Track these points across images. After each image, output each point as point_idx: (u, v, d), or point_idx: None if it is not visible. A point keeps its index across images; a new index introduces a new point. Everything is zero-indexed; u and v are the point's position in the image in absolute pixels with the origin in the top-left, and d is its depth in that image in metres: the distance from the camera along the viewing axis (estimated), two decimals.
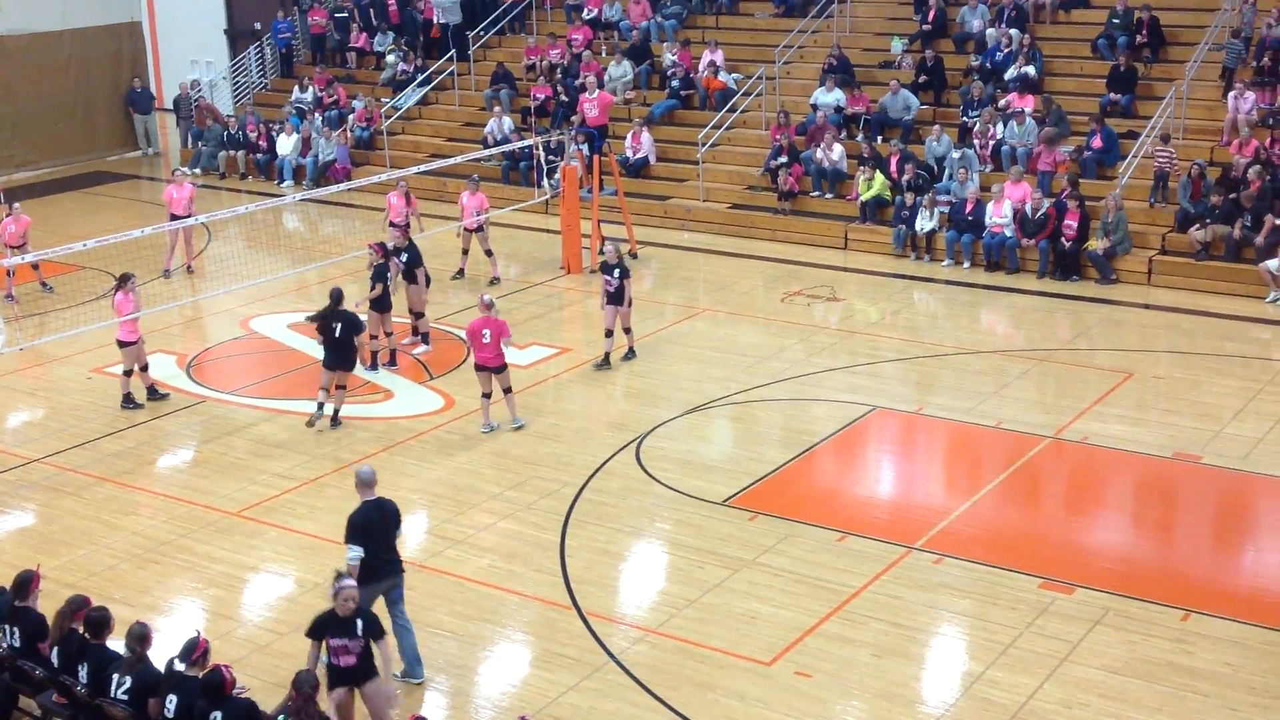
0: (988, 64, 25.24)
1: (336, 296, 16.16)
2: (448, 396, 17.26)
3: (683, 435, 15.94)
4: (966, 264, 22.20)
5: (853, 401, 16.66)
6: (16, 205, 22.20)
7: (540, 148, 24.94)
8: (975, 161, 23.32)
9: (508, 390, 16.09)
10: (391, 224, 20.52)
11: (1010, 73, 24.81)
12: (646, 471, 14.91)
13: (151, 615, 11.72)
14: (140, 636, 9.58)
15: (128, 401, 17.02)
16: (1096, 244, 21.22)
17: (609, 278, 17.49)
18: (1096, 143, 22.95)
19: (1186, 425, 15.77)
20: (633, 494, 14.40)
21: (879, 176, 23.49)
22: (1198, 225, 20.97)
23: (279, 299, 21.42)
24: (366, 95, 30.71)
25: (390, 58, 31.38)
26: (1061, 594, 12.18)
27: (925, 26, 26.74)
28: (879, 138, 24.86)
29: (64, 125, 32.54)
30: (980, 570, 12.63)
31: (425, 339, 18.94)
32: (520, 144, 25.89)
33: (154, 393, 17.20)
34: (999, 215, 21.92)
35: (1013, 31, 25.44)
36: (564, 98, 27.68)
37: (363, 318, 16.73)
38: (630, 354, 18.09)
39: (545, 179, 24.94)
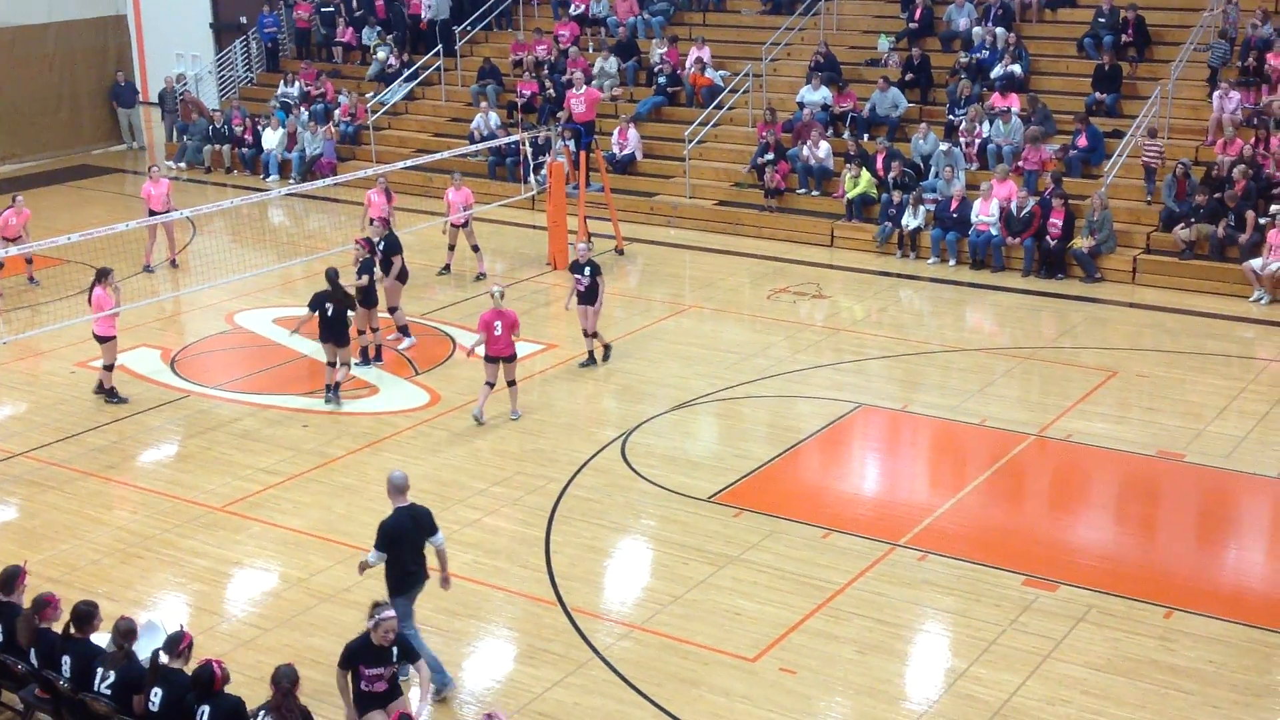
0: (975, 59, 25.28)
1: (330, 276, 16.47)
2: (433, 392, 17.24)
3: (668, 432, 15.95)
4: (952, 262, 22.25)
5: (838, 399, 16.69)
6: (19, 198, 22.15)
7: (527, 143, 24.92)
8: (961, 160, 23.36)
9: (512, 383, 16.19)
10: (372, 220, 20.45)
11: (996, 71, 24.87)
12: (632, 468, 14.91)
13: (135, 610, 11.68)
14: (126, 632, 9.56)
15: (112, 396, 16.96)
16: (1081, 242, 21.28)
17: (579, 276, 17.40)
18: (1082, 142, 23.02)
19: (1170, 423, 15.83)
20: (618, 490, 14.41)
21: (865, 174, 23.53)
22: (1182, 224, 21.04)
23: (264, 294, 21.37)
24: (352, 90, 30.65)
25: (380, 53, 31.31)
26: (1045, 591, 12.21)
27: (912, 25, 26.78)
28: (865, 135, 24.89)
29: (49, 119, 32.43)
30: (964, 567, 12.66)
31: (405, 331, 18.92)
32: (507, 140, 25.88)
33: (113, 393, 17.08)
34: (985, 213, 21.97)
35: (998, 30, 25.49)
36: (551, 93, 27.65)
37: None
38: (605, 354, 17.97)
39: (532, 175, 24.93)
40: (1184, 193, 21.32)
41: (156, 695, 9.17)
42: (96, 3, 33.09)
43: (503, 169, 26.91)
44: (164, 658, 9.28)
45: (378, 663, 9.51)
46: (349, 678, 9.56)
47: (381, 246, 18.36)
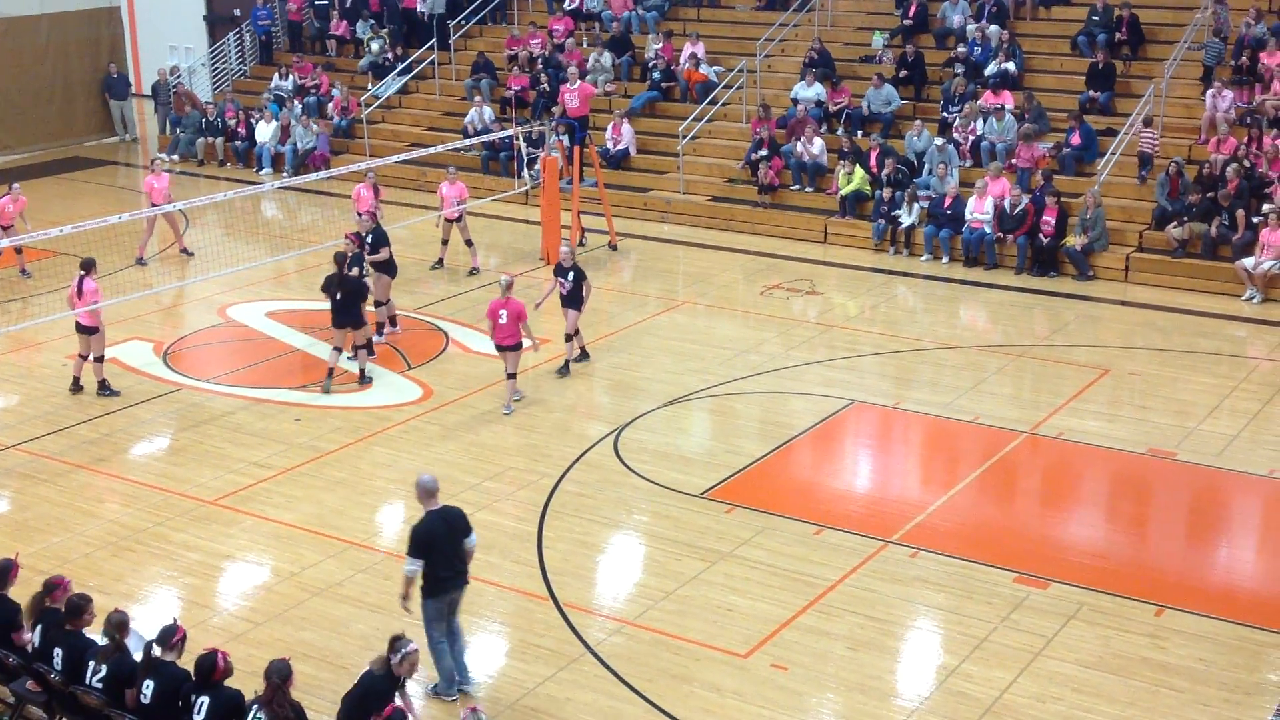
0: (971, 54, 25.31)
1: (339, 260, 16.80)
2: (426, 386, 17.23)
3: (661, 427, 15.95)
4: (945, 259, 22.26)
5: (830, 395, 16.70)
6: (16, 186, 22.11)
7: (520, 138, 24.90)
8: (955, 157, 23.38)
9: (511, 375, 16.31)
10: (360, 214, 20.35)
11: (990, 69, 24.88)
12: (625, 463, 14.92)
13: (127, 603, 11.65)
14: (119, 624, 9.55)
15: (104, 388, 16.94)
16: (1074, 240, 21.31)
17: (562, 280, 17.29)
18: (1075, 140, 23.04)
19: (1161, 421, 15.86)
20: (611, 486, 14.41)
21: (859, 171, 23.53)
22: (1175, 223, 21.07)
23: (257, 287, 21.34)
24: (345, 84, 30.60)
25: (374, 46, 31.25)
26: (1036, 589, 12.24)
27: (906, 21, 26.79)
28: (859, 132, 24.90)
29: (41, 110, 32.35)
30: (956, 564, 12.68)
31: (392, 321, 18.91)
32: (501, 134, 25.86)
33: (77, 384, 17.02)
34: (979, 211, 21.99)
35: (992, 27, 25.50)
36: (545, 88, 27.62)
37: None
38: (581, 356, 17.86)
39: (525, 170, 24.91)
40: (1177, 191, 21.35)
41: (148, 688, 9.16)
42: None
43: (496, 164, 26.88)
44: (157, 650, 9.27)
45: (389, 696, 9.05)
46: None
47: (369, 240, 18.33)
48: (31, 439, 15.83)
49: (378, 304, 18.69)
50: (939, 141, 23.56)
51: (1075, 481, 14.88)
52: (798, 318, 19.81)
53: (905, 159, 23.80)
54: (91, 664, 9.48)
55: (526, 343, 16.27)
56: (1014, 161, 22.97)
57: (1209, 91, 22.76)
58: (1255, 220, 20.55)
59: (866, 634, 11.59)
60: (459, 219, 21.77)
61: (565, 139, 24.34)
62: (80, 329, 16.76)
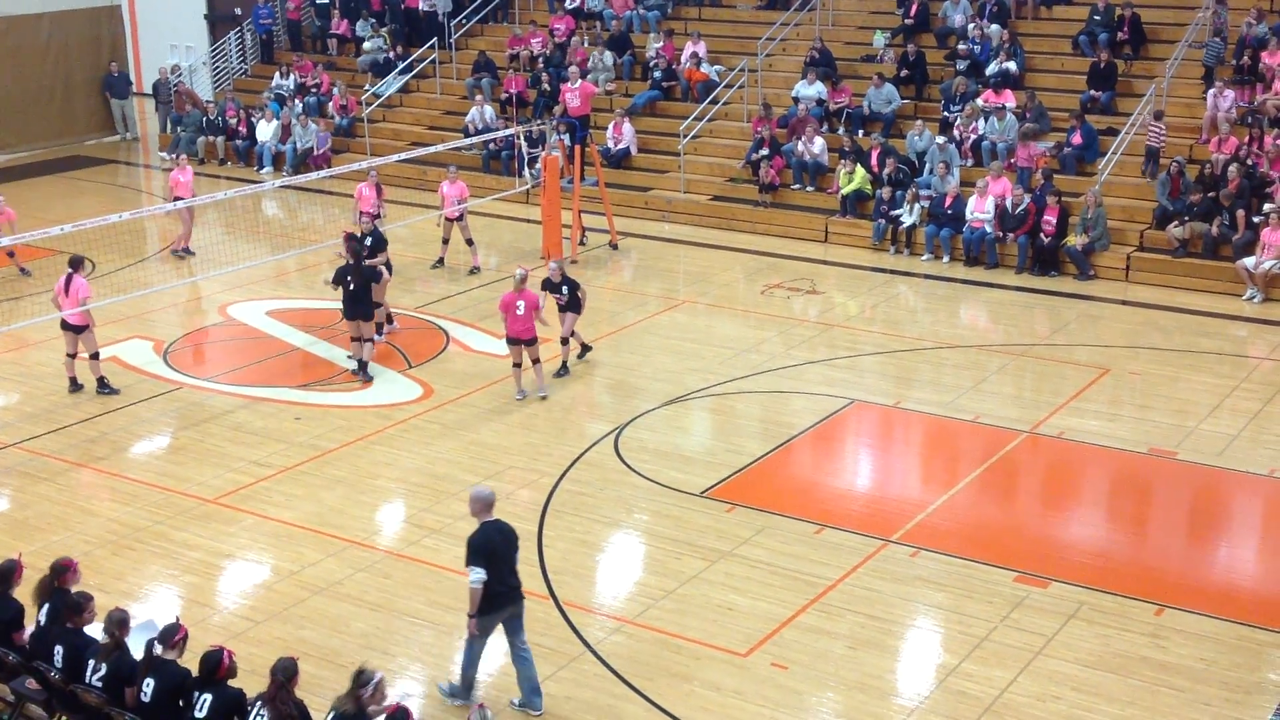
0: (970, 49, 25.30)
1: (354, 249, 17.09)
2: (426, 385, 17.23)
3: (661, 426, 15.94)
4: (946, 258, 22.25)
5: (831, 394, 16.69)
6: (1, 198, 22.03)
7: (521, 137, 24.90)
8: (956, 156, 23.37)
9: (536, 361, 16.44)
10: (362, 214, 20.33)
11: (991, 68, 24.87)
12: (625, 462, 14.91)
13: (127, 602, 11.65)
14: (119, 622, 9.54)
15: (102, 386, 16.94)
16: (1075, 240, 21.30)
17: (558, 295, 17.18)
18: (1076, 139, 23.03)
19: (1162, 421, 15.85)
20: (611, 485, 14.40)
21: (860, 170, 23.53)
22: (1176, 222, 21.06)
23: (257, 285, 21.34)
24: (345, 82, 30.59)
25: (372, 43, 31.22)
26: (1036, 588, 12.23)
27: (907, 21, 26.78)
28: (860, 131, 24.89)
29: (42, 109, 32.35)
30: (956, 564, 12.67)
31: (389, 318, 18.91)
32: (503, 132, 25.85)
33: (75, 384, 17.01)
34: (980, 210, 21.98)
35: (993, 27, 25.49)
36: (546, 87, 27.62)
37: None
38: (582, 352, 17.75)
39: (526, 169, 24.90)
40: (1178, 190, 21.34)
41: (149, 686, 9.15)
42: None
43: (497, 163, 26.88)
44: (158, 649, 9.27)
45: None
46: None
47: (369, 243, 18.33)
48: (31, 437, 15.82)
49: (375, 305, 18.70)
50: (940, 141, 23.55)
51: (1076, 481, 14.88)
52: (798, 317, 19.81)
53: (906, 158, 23.79)
54: (91, 662, 9.47)
55: (542, 331, 16.40)
56: (1013, 161, 22.96)
57: (1210, 91, 22.75)
58: (1256, 220, 20.54)
59: (867, 633, 11.58)
60: (460, 218, 21.76)
61: (566, 138, 24.33)
62: (68, 327, 16.69)
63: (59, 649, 9.70)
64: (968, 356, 18.13)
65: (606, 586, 12.61)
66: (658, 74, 27.55)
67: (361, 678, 8.76)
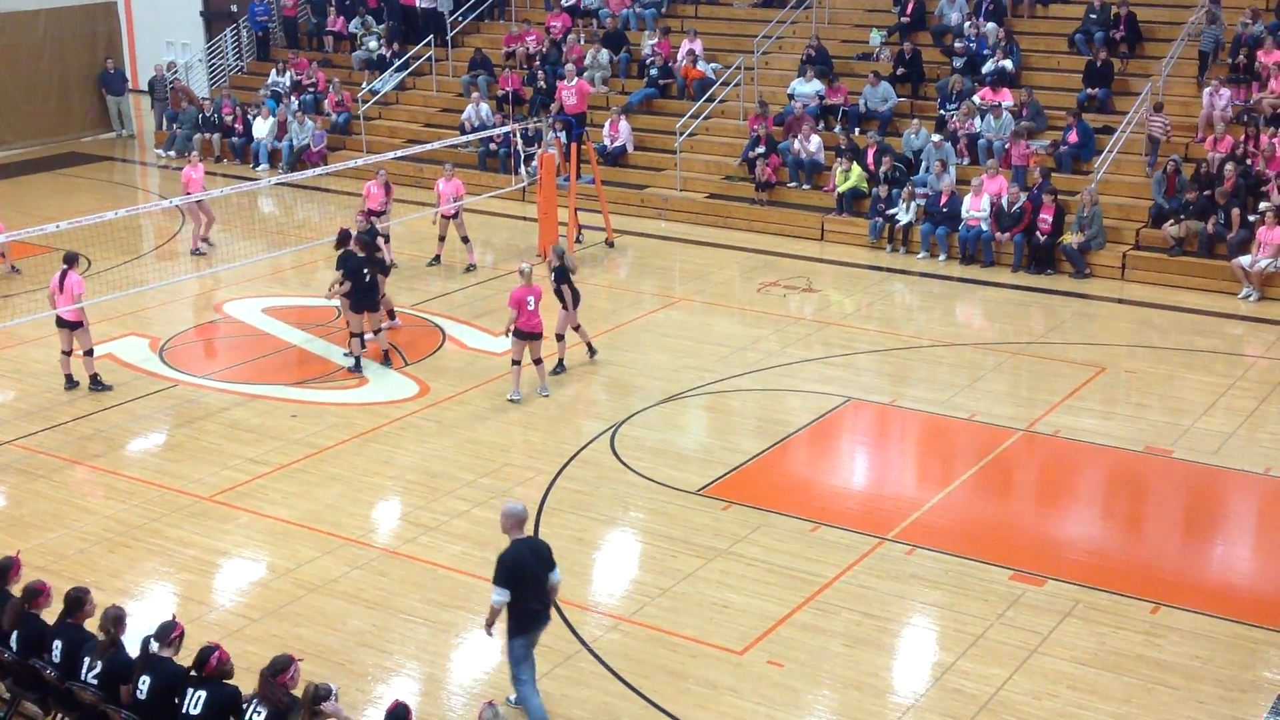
0: (966, 46, 25.30)
1: (367, 241, 17.26)
2: (422, 383, 17.22)
3: (658, 424, 15.94)
4: (942, 256, 22.26)
5: (827, 392, 16.70)
6: None
7: (517, 135, 24.88)
8: (952, 154, 23.37)
9: (537, 360, 16.43)
10: (371, 212, 20.29)
11: (988, 66, 24.88)
12: (621, 460, 14.91)
13: (122, 599, 11.65)
14: (115, 619, 9.52)
15: (96, 382, 16.92)
16: (1071, 238, 21.31)
17: (566, 284, 17.13)
18: (1072, 138, 23.04)
19: (1158, 419, 15.87)
20: (607, 483, 14.40)
21: (856, 168, 23.53)
22: (1172, 221, 21.08)
23: (253, 283, 21.33)
24: (340, 79, 30.56)
25: (371, 43, 31.20)
26: (1032, 586, 12.24)
27: (904, 19, 26.77)
28: (856, 129, 24.90)
29: (38, 105, 32.31)
30: (952, 562, 12.68)
31: (391, 314, 18.90)
32: (499, 130, 25.82)
33: (71, 381, 16.99)
34: (975, 208, 21.99)
35: (990, 25, 25.50)
36: (542, 84, 27.61)
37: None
38: (591, 351, 17.76)
39: (522, 166, 24.89)
40: (1174, 189, 21.36)
41: (144, 683, 9.14)
42: None
43: (493, 160, 26.87)
44: (154, 646, 9.26)
45: None
46: None
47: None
48: (26, 435, 15.81)
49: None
50: (936, 139, 23.56)
51: (1071, 479, 14.88)
52: (794, 315, 19.81)
53: (902, 156, 23.80)
54: (87, 660, 9.46)
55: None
56: (1010, 159, 22.97)
57: (1206, 90, 22.76)
58: (1252, 218, 20.56)
59: (862, 631, 11.59)
60: (456, 216, 21.75)
61: (562, 136, 24.32)
62: (63, 324, 16.68)
63: (58, 644, 9.69)
64: (963, 355, 18.14)
65: (603, 584, 12.61)
66: (654, 72, 27.54)
67: (317, 692, 8.62)
